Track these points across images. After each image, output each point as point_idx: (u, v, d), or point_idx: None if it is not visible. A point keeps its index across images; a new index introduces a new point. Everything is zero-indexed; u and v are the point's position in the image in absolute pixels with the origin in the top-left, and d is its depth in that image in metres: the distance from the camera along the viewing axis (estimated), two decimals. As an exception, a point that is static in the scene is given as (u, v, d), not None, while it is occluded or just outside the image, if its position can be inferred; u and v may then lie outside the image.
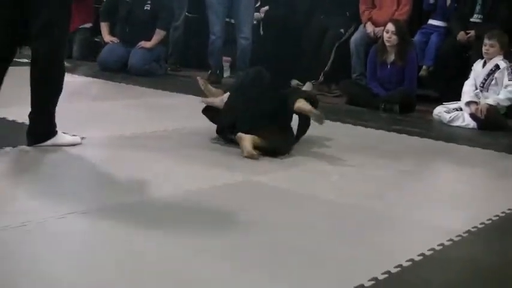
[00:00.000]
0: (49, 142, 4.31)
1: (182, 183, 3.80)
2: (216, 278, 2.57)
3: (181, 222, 3.20)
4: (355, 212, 3.56)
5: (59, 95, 4.36)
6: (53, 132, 4.33)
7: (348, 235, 3.20)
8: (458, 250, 3.11)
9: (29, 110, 4.29)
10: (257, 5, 8.80)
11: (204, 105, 5.05)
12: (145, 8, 8.24)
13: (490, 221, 3.52)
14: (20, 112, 4.65)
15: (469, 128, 6.40)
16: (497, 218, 3.60)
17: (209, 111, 5.01)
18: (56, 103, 4.33)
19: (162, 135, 4.97)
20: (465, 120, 6.48)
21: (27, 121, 4.33)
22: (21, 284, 2.41)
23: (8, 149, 4.19)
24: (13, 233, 2.82)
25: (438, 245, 3.06)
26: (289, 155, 4.62)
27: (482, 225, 3.44)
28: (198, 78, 5.32)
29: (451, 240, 3.15)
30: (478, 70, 6.69)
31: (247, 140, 4.46)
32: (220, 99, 4.99)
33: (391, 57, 7.14)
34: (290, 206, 3.58)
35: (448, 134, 6.08)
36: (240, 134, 4.50)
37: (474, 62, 6.96)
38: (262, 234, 3.09)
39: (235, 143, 4.57)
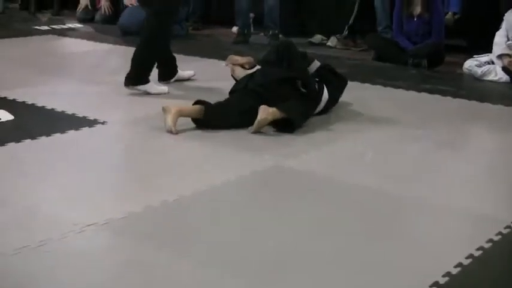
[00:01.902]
0: (140, 87, 5.20)
1: (208, 177, 3.61)
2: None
3: (209, 229, 3.07)
4: (393, 201, 3.41)
5: (152, 54, 5.28)
6: (144, 80, 5.18)
7: (387, 230, 3.08)
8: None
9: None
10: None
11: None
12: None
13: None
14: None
15: (502, 82, 6.20)
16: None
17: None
18: (149, 59, 5.25)
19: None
20: (497, 74, 6.27)
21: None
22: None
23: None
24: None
25: (487, 242, 2.92)
26: (322, 128, 4.48)
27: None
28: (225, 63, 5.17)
29: (500, 234, 3.01)
30: (510, 20, 6.45)
31: (265, 112, 4.30)
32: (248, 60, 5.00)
33: (418, 9, 6.90)
34: (322, 197, 3.45)
35: (481, 91, 5.90)
36: (263, 106, 4.33)
37: (504, 7, 6.74)
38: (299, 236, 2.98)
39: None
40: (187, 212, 3.21)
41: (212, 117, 4.37)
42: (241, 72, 5.00)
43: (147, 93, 5.21)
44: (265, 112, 4.28)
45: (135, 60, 5.21)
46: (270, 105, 4.33)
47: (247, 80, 4.68)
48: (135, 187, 3.50)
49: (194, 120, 4.41)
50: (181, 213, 3.19)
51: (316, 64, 4.76)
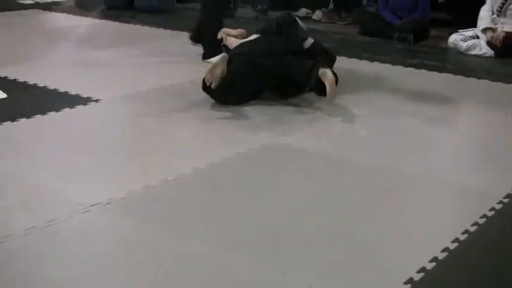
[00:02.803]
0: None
1: (205, 155, 3.66)
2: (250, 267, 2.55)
3: (209, 207, 3.14)
4: (387, 176, 3.48)
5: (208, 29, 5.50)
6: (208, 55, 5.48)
7: (382, 206, 3.16)
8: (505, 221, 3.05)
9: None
10: None
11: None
12: None
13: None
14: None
15: (486, 57, 6.30)
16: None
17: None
18: (207, 34, 5.49)
19: (177, 90, 4.86)
20: (482, 48, 6.37)
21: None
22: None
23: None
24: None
25: (481, 217, 3.01)
26: (314, 105, 4.54)
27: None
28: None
29: (493, 209, 3.10)
30: (494, -5, 6.53)
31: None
32: (241, 32, 5.08)
33: (403, -17, 6.97)
34: (318, 174, 3.53)
35: (466, 65, 6.00)
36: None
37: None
38: (295, 215, 3.05)
39: None
40: (187, 190, 3.26)
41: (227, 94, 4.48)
42: (234, 42, 5.05)
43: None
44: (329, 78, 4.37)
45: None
46: (276, 74, 4.45)
47: (251, 45, 4.73)
48: (134, 166, 3.54)
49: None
50: (181, 191, 3.24)
51: (310, 41, 4.80)
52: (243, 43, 4.87)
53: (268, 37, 4.80)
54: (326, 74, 4.37)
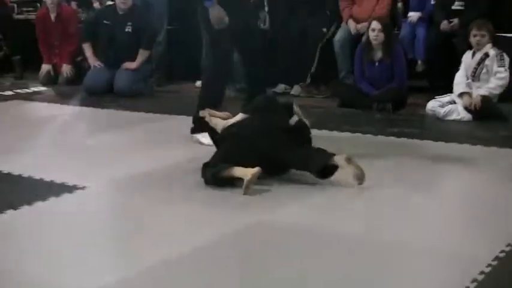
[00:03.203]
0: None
1: (188, 238, 3.65)
2: None
3: None
4: (376, 247, 3.50)
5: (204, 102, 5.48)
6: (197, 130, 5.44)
7: (372, 278, 3.17)
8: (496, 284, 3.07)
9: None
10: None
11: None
12: (126, 30, 8.20)
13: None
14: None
15: (464, 121, 6.41)
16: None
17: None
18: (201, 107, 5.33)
19: (160, 174, 4.85)
20: (460, 113, 6.49)
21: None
22: None
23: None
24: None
25: (472, 281, 3.03)
26: (298, 180, 4.56)
27: (510, 248, 3.40)
28: (201, 113, 5.21)
29: (482, 273, 3.12)
30: (467, 61, 6.69)
31: None
32: (226, 122, 4.94)
33: (378, 55, 7.12)
34: (306, 250, 3.52)
35: (445, 131, 6.09)
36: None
37: (460, 50, 6.99)
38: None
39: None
40: (173, 276, 3.24)
41: None
42: (220, 123, 5.05)
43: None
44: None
45: None
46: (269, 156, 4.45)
47: (238, 127, 4.76)
48: (120, 253, 3.54)
49: None
50: (168, 277, 3.22)
51: (295, 118, 4.83)
52: (233, 124, 4.87)
53: (258, 116, 4.83)
54: (346, 163, 4.36)
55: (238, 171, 4.38)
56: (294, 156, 4.53)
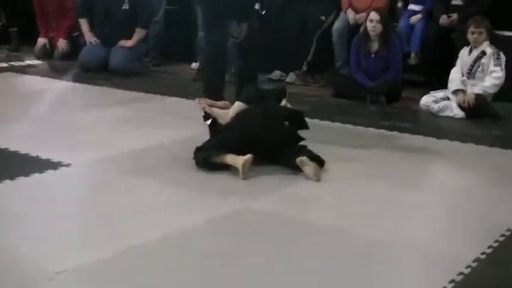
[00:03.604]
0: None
1: (175, 220, 3.65)
2: None
3: (178, 275, 3.10)
4: (357, 240, 3.48)
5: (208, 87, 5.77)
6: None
7: (352, 270, 3.15)
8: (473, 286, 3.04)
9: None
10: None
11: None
12: (123, 7, 8.11)
13: (497, 243, 3.46)
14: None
15: (457, 118, 6.37)
16: (505, 237, 3.54)
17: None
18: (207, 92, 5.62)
19: (149, 154, 4.85)
20: (453, 110, 6.44)
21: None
22: None
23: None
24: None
25: (449, 282, 3.00)
26: (284, 168, 4.53)
27: (491, 250, 3.38)
28: (196, 100, 5.17)
29: (461, 274, 3.09)
30: (464, 57, 6.64)
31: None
32: (225, 112, 4.94)
33: (375, 46, 7.07)
34: (289, 239, 3.51)
35: (438, 127, 6.05)
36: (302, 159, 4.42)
37: (458, 45, 6.94)
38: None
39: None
40: (155, 257, 3.23)
41: None
42: (220, 112, 5.01)
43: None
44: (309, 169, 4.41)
45: None
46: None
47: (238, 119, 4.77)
48: (102, 232, 3.51)
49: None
50: (150, 258, 3.21)
51: (283, 103, 4.84)
52: (235, 118, 4.85)
53: (255, 108, 4.83)
54: (304, 164, 4.40)
55: (230, 159, 4.42)
56: (282, 153, 4.56)
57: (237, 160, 4.37)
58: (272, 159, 4.59)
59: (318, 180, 4.37)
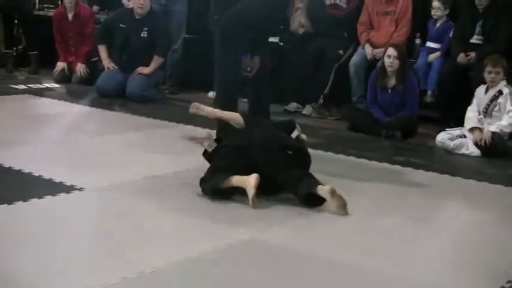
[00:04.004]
0: None
1: (183, 248, 3.64)
2: None
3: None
4: (367, 277, 3.45)
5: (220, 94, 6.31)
6: None
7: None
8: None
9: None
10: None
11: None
12: (142, 35, 8.17)
13: (510, 284, 3.41)
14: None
15: (473, 156, 6.33)
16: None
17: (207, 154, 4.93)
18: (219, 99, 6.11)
19: (163, 180, 4.85)
20: (469, 148, 6.41)
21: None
22: None
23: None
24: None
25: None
26: (295, 201, 4.49)
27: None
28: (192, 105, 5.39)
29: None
30: (480, 96, 6.63)
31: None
32: (208, 135, 5.14)
33: (392, 82, 7.06)
34: (297, 273, 3.47)
35: (453, 165, 6.01)
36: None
37: (475, 84, 6.93)
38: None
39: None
40: (163, 285, 3.21)
41: None
42: (210, 110, 5.38)
43: None
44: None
45: None
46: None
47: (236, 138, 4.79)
48: (111, 258, 3.48)
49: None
50: (158, 286, 3.19)
51: (294, 134, 4.84)
52: (236, 135, 4.89)
53: (258, 128, 4.85)
54: (330, 193, 4.32)
55: (236, 180, 4.40)
56: (287, 177, 4.48)
57: (245, 182, 4.35)
58: (274, 188, 4.54)
59: (346, 213, 4.30)
